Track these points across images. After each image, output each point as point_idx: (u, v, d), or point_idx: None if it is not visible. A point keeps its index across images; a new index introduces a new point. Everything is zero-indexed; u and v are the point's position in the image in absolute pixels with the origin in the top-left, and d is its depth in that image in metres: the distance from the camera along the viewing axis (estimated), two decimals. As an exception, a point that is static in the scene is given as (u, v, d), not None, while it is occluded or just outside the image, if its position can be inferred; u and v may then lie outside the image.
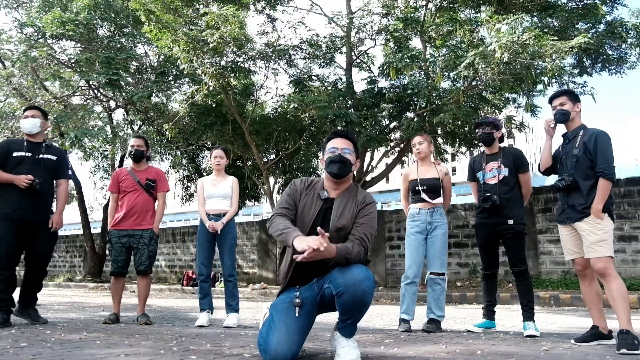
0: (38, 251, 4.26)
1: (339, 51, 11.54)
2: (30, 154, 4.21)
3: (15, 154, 4.17)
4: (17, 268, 4.24)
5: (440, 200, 4.18)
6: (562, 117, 3.34)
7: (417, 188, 4.17)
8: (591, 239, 3.05)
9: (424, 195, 4.14)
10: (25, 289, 4.33)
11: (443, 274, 4.07)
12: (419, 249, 4.12)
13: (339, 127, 10.10)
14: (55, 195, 4.49)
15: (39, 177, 4.13)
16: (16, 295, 4.24)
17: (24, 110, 4.45)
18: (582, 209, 3.12)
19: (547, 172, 3.52)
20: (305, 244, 2.25)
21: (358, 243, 2.49)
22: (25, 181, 4.04)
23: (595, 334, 3.13)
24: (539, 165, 3.56)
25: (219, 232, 4.53)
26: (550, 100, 3.45)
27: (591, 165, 3.14)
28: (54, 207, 4.45)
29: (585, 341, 3.09)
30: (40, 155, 4.26)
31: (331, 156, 2.66)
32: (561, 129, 3.45)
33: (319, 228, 2.29)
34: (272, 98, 12.30)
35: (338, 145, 2.69)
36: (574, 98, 3.37)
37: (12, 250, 4.06)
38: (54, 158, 4.35)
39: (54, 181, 4.42)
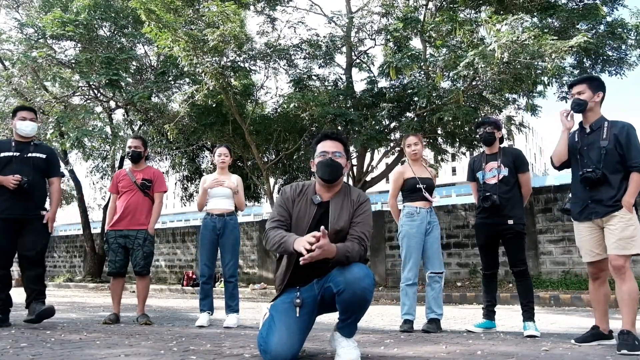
0: (29, 246, 4.14)
1: (339, 51, 11.55)
2: (18, 154, 4.16)
3: (2, 154, 4.14)
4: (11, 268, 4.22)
5: (436, 199, 4.24)
6: (578, 107, 3.13)
7: (417, 186, 4.17)
8: (621, 234, 2.91)
9: (426, 194, 4.15)
10: (27, 289, 4.20)
11: (442, 272, 4.11)
12: (419, 249, 4.11)
13: (339, 127, 10.10)
14: (48, 194, 4.42)
15: (28, 175, 4.08)
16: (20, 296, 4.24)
17: (18, 110, 4.34)
18: (613, 202, 2.98)
19: (562, 167, 3.31)
20: (304, 241, 2.27)
21: (357, 242, 2.49)
22: (13, 181, 4.00)
23: (596, 334, 3.11)
24: (551, 159, 3.35)
25: (223, 184, 4.54)
26: (570, 87, 3.26)
27: (620, 159, 3.00)
28: (47, 204, 4.39)
29: (586, 341, 3.08)
30: (29, 154, 4.21)
31: (322, 160, 2.63)
32: (577, 118, 3.25)
33: (322, 228, 2.29)
34: (272, 98, 12.32)
35: (328, 148, 2.65)
36: (596, 86, 3.13)
37: (3, 250, 4.04)
38: (44, 157, 4.29)
39: (46, 180, 4.37)
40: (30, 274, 4.16)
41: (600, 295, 3.14)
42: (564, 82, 9.70)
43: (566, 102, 10.12)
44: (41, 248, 4.25)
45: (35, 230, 4.17)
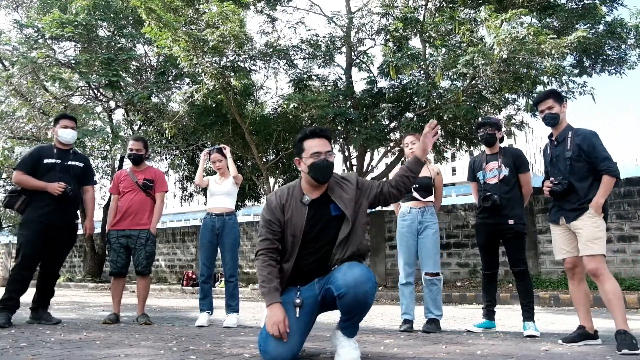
0: (58, 254, 4.41)
1: (339, 51, 11.55)
2: (60, 161, 4.34)
3: (45, 160, 4.29)
4: None
5: (431, 198, 4.16)
6: (553, 121, 3.30)
7: None
8: (587, 235, 3.01)
9: (415, 194, 4.11)
10: (39, 292, 4.41)
11: (438, 274, 4.04)
12: (410, 248, 4.11)
13: (339, 127, 10.10)
14: (82, 201, 4.63)
15: (69, 183, 4.24)
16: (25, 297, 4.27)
17: (60, 118, 4.50)
18: (579, 205, 3.08)
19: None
20: (273, 322, 2.36)
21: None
22: (58, 189, 4.15)
23: (582, 334, 3.11)
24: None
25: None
26: (536, 104, 3.41)
27: (586, 167, 3.12)
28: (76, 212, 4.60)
29: (573, 341, 3.07)
30: (69, 162, 4.40)
31: (317, 162, 2.57)
32: (547, 130, 3.42)
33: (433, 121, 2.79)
34: (272, 98, 12.33)
35: (320, 148, 2.60)
36: (559, 98, 3.33)
37: (38, 254, 4.19)
38: (81, 165, 4.51)
39: (81, 187, 4.55)
40: (50, 279, 4.43)
41: (580, 295, 3.20)
42: (564, 81, 9.70)
43: (566, 101, 10.08)
44: (66, 255, 4.58)
45: (67, 239, 4.42)
